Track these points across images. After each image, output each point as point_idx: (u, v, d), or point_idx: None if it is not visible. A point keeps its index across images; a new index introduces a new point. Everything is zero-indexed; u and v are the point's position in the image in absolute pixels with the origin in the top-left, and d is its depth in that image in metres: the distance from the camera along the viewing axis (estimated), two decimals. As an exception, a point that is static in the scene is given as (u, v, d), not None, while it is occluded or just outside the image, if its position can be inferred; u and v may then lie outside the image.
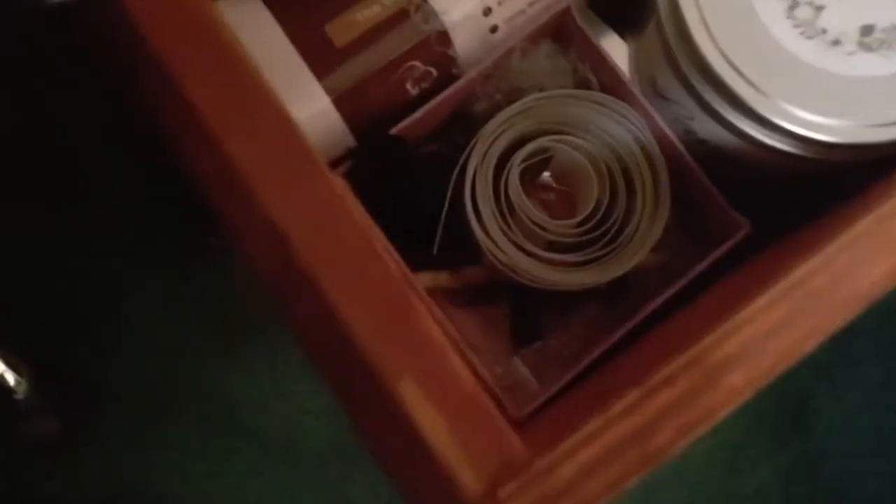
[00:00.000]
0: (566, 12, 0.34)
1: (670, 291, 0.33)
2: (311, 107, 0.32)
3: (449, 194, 0.34)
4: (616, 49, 0.36)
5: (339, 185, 0.24)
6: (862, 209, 0.24)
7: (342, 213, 0.24)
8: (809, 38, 0.28)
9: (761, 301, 0.23)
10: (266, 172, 0.23)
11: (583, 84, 0.35)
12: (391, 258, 0.28)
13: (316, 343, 0.30)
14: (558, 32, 0.35)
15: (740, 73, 0.28)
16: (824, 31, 0.28)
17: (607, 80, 0.35)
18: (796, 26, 0.28)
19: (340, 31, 0.33)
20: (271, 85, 0.25)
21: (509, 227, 0.34)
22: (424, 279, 0.36)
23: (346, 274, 0.23)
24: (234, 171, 0.23)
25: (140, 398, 0.46)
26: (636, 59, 0.35)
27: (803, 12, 0.28)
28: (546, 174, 0.37)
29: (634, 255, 0.34)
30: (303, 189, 0.23)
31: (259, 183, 0.23)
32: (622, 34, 0.36)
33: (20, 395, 0.44)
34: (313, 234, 0.23)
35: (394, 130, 0.33)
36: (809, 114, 0.28)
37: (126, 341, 0.46)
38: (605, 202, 0.35)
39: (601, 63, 0.34)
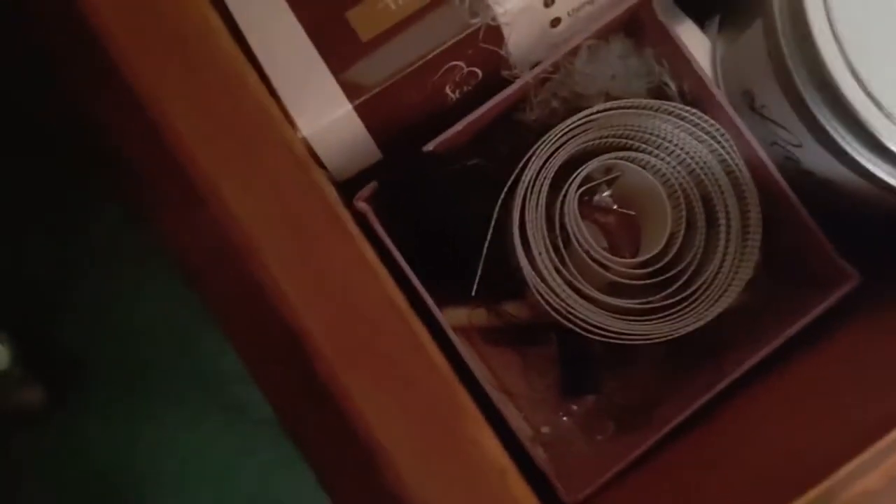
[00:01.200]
0: (643, 4, 0.27)
1: (764, 351, 0.27)
2: (329, 113, 0.26)
3: (493, 220, 0.28)
4: (701, 51, 0.30)
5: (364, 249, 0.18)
6: None
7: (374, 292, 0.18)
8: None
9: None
10: (272, 233, 0.18)
11: (660, 92, 0.29)
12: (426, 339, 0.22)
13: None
14: (632, 28, 0.28)
15: (873, 99, 0.22)
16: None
17: (690, 89, 0.28)
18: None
19: (366, 19, 0.27)
20: (275, 109, 0.19)
21: (563, 263, 0.28)
22: (459, 316, 0.31)
23: (377, 384, 0.17)
24: (227, 235, 0.18)
25: (128, 372, 0.45)
26: (728, 66, 0.29)
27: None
28: (606, 193, 0.31)
29: (714, 304, 0.28)
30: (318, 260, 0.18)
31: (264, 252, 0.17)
32: (709, 33, 0.30)
33: (4, 367, 0.42)
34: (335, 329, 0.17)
35: (428, 146, 0.27)
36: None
37: (114, 314, 0.45)
38: (681, 236, 0.29)
39: (684, 67, 0.28)
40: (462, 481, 0.17)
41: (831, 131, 0.23)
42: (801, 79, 0.23)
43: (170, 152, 0.20)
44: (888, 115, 0.22)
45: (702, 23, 0.31)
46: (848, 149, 0.23)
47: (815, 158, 0.25)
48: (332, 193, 0.20)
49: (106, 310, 0.45)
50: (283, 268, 0.18)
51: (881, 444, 0.18)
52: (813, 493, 0.18)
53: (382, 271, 0.20)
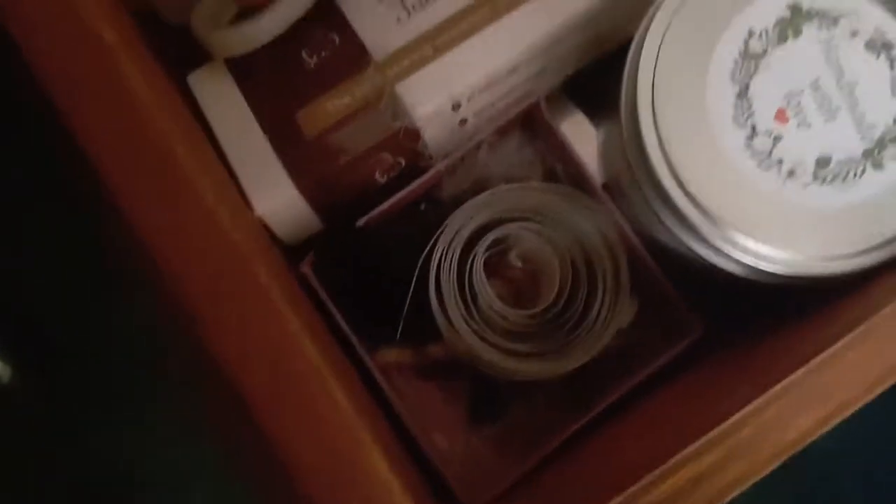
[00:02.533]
0: (535, 107, 0.34)
1: (624, 388, 0.34)
2: (279, 196, 0.33)
3: (415, 278, 0.34)
4: (588, 140, 0.36)
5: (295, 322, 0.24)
6: (794, 360, 0.25)
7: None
8: (766, 168, 0.28)
9: (690, 449, 0.24)
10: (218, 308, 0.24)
11: (550, 175, 0.36)
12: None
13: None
14: (527, 124, 0.35)
15: (692, 197, 0.29)
16: (780, 162, 0.28)
17: (574, 173, 0.35)
18: (754, 156, 0.28)
19: (310, 120, 0.33)
20: (222, 208, 0.25)
21: (471, 315, 0.34)
22: (390, 355, 0.37)
23: (295, 422, 0.23)
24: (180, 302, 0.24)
25: (115, 374, 0.45)
26: (604, 154, 0.35)
27: (761, 142, 0.28)
28: (513, 254, 0.38)
29: (593, 346, 0.35)
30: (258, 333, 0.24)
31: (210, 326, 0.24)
32: (596, 124, 0.36)
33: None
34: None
35: (360, 222, 0.33)
36: (758, 244, 0.28)
37: (103, 316, 0.45)
38: (567, 291, 0.36)
39: (568, 157, 0.35)
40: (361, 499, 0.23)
41: (667, 221, 0.30)
42: (642, 178, 0.30)
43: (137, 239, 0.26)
44: (703, 210, 0.29)
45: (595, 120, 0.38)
46: (681, 235, 0.30)
47: (664, 237, 0.31)
48: (267, 276, 0.26)
49: (95, 312, 0.44)
50: (222, 336, 0.24)
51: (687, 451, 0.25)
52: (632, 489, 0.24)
53: (308, 334, 0.26)
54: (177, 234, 0.24)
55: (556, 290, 0.36)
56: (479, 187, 0.36)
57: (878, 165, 0.29)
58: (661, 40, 0.29)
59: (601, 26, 0.33)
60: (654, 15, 0.30)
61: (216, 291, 0.24)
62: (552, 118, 0.35)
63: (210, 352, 0.26)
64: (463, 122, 0.34)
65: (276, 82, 0.34)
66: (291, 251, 0.35)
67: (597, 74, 0.36)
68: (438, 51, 0.33)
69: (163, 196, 0.25)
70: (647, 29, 0.30)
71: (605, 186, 0.36)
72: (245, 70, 0.35)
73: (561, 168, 0.36)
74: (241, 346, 0.25)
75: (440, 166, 0.34)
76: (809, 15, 0.29)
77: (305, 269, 0.33)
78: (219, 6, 0.34)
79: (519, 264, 0.38)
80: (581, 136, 0.37)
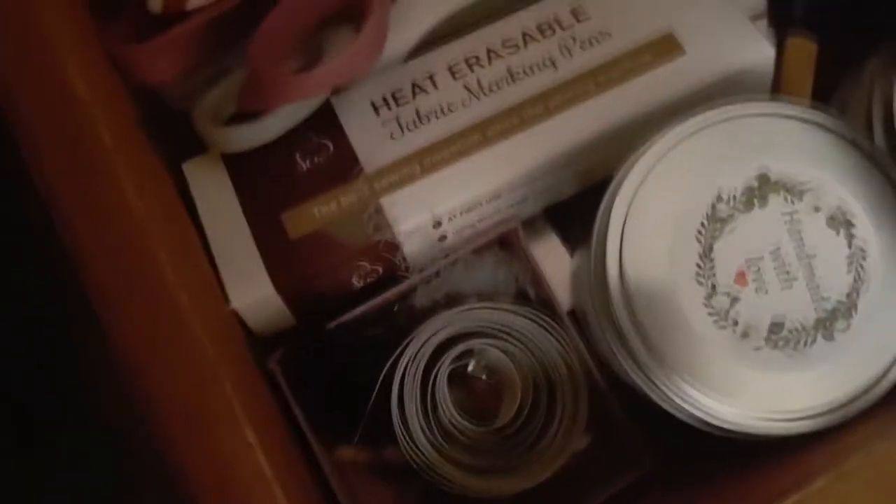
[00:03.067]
0: (513, 231, 0.35)
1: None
2: (256, 292, 0.34)
3: (380, 382, 0.35)
4: (561, 264, 0.38)
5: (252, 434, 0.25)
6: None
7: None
8: (722, 327, 0.30)
9: None
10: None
11: (522, 296, 0.37)
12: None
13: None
14: (504, 246, 0.36)
15: (648, 343, 0.30)
16: (735, 323, 0.30)
17: (544, 297, 0.36)
18: (711, 314, 0.30)
19: (296, 222, 0.34)
20: (196, 317, 0.26)
21: (430, 426, 0.35)
22: (347, 454, 0.38)
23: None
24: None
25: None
26: (575, 281, 0.37)
27: (720, 301, 0.30)
28: (478, 368, 0.39)
29: (547, 467, 0.36)
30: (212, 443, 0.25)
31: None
32: (571, 250, 0.38)
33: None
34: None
35: (332, 324, 0.34)
36: (706, 397, 0.30)
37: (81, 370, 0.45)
38: (527, 410, 0.37)
39: (539, 281, 0.36)
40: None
41: (623, 361, 0.31)
42: (601, 317, 0.31)
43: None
44: (657, 357, 0.30)
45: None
46: (635, 378, 0.31)
47: (618, 370, 0.32)
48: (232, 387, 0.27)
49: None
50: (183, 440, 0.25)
51: None
52: None
53: (262, 445, 0.26)
54: (147, 334, 0.25)
55: (515, 407, 0.37)
56: (451, 300, 0.37)
57: (828, 337, 0.30)
58: (635, 192, 0.31)
59: (584, 164, 0.35)
60: (632, 165, 0.31)
61: (186, 407, 0.25)
62: (528, 242, 0.36)
63: (165, 449, 0.27)
64: (442, 238, 0.35)
65: (267, 181, 0.35)
66: (262, 344, 0.36)
67: (579, 201, 0.38)
68: (426, 170, 0.35)
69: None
70: (624, 177, 0.31)
71: (573, 313, 0.38)
72: (239, 165, 0.36)
73: (532, 291, 0.37)
74: (193, 451, 0.26)
75: (416, 279, 0.35)
76: (776, 186, 0.31)
77: (273, 365, 0.34)
78: (220, 102, 0.36)
79: (483, 378, 0.39)
80: (555, 260, 0.38)
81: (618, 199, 0.31)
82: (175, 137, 0.37)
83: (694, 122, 0.31)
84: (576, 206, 0.38)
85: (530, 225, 0.37)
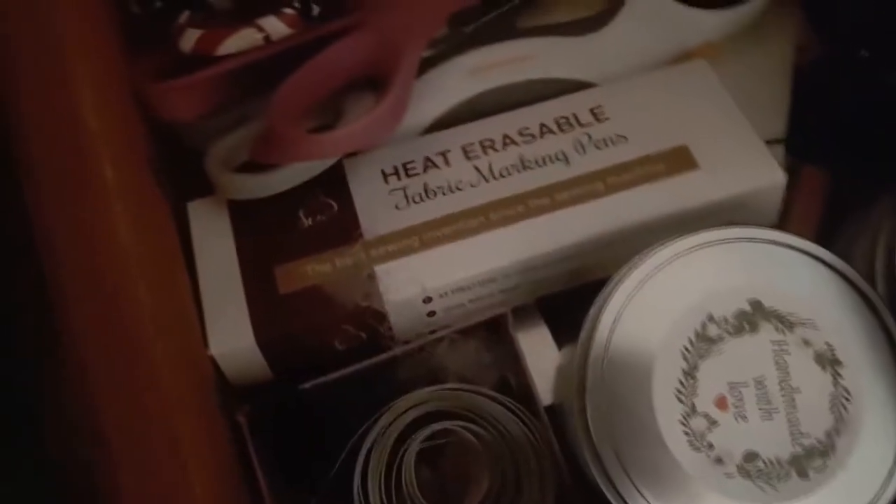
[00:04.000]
0: (502, 317, 0.35)
1: None
2: (237, 343, 0.33)
3: (346, 451, 0.35)
4: (548, 356, 0.37)
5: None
6: None
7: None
8: (696, 449, 0.29)
9: None
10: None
11: (503, 383, 0.36)
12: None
13: None
14: (491, 331, 0.36)
15: (616, 453, 0.29)
16: (711, 447, 0.29)
17: (525, 388, 0.36)
18: (686, 433, 0.29)
19: (288, 277, 0.34)
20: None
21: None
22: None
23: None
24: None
25: None
26: (559, 375, 0.36)
27: (697, 423, 0.29)
28: (447, 450, 0.38)
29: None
30: None
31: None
32: (560, 343, 0.37)
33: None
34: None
35: (307, 384, 0.34)
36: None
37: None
38: (492, 499, 0.36)
39: (522, 371, 0.35)
40: None
41: (592, 467, 0.30)
42: (575, 426, 0.31)
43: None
44: (626, 474, 0.29)
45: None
46: (600, 483, 0.30)
47: (588, 473, 0.32)
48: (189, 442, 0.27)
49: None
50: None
51: None
52: None
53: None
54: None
55: (482, 495, 0.37)
56: (432, 377, 0.36)
57: (802, 474, 0.29)
58: (628, 300, 0.31)
59: (582, 261, 0.35)
60: (629, 272, 0.31)
61: (132, 439, 0.25)
62: (517, 329, 0.36)
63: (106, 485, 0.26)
64: (431, 313, 0.35)
65: (267, 232, 0.36)
66: (236, 393, 0.36)
67: (573, 296, 0.38)
68: (424, 245, 0.35)
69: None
70: (619, 283, 0.31)
71: (553, 407, 0.37)
72: (243, 212, 0.36)
73: (514, 380, 0.36)
74: (133, 488, 0.25)
75: (399, 350, 0.35)
76: (769, 314, 0.30)
77: (241, 418, 0.34)
78: (234, 149, 0.36)
79: (451, 461, 0.38)
80: (541, 352, 0.38)
81: (609, 305, 0.31)
82: (189, 176, 0.38)
83: (696, 238, 0.31)
84: (570, 302, 0.38)
85: (522, 312, 0.37)
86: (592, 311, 0.32)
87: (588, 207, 0.35)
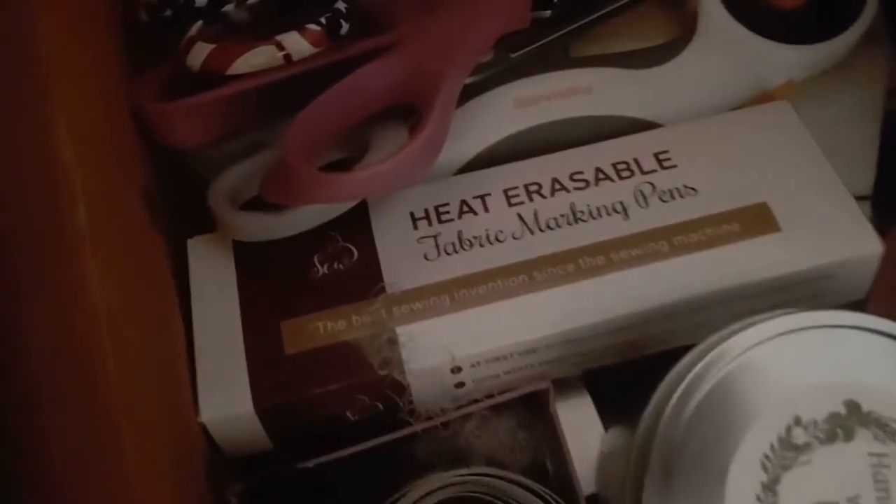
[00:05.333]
0: (543, 392, 0.30)
1: None
2: (232, 409, 0.28)
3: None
4: (592, 434, 0.32)
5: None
6: None
7: None
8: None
9: None
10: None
11: (538, 468, 0.31)
12: None
13: None
14: (528, 408, 0.31)
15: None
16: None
17: (563, 475, 0.31)
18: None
19: (296, 334, 0.30)
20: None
21: None
22: None
23: None
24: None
25: None
26: (605, 462, 0.31)
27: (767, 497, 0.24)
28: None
29: None
30: None
31: None
32: (607, 424, 0.33)
33: None
34: None
35: (310, 463, 0.29)
36: None
37: None
38: None
39: (561, 456, 0.30)
40: None
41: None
42: None
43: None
44: None
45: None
46: None
47: None
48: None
49: None
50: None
51: None
52: None
53: None
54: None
55: None
56: (455, 458, 0.31)
57: None
58: (698, 388, 0.26)
59: (640, 333, 0.30)
60: (701, 357, 0.26)
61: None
62: (557, 407, 0.31)
63: None
64: (459, 385, 0.30)
65: (276, 279, 0.31)
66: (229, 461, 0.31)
67: (621, 369, 0.33)
68: (456, 304, 0.30)
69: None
70: (689, 369, 0.26)
71: (595, 498, 0.32)
72: (249, 255, 0.31)
73: (551, 464, 0.31)
74: None
75: (419, 427, 0.30)
76: (867, 420, 0.25)
77: (232, 496, 0.29)
78: (241, 181, 0.32)
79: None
80: (585, 433, 0.32)
81: (675, 396, 0.26)
82: (194, 204, 0.33)
83: (784, 322, 0.26)
84: (619, 374, 0.33)
85: (564, 385, 0.32)
86: (655, 399, 0.27)
87: (649, 271, 0.30)
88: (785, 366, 0.26)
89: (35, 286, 0.22)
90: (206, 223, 0.33)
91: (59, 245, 0.21)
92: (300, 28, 0.31)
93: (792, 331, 0.26)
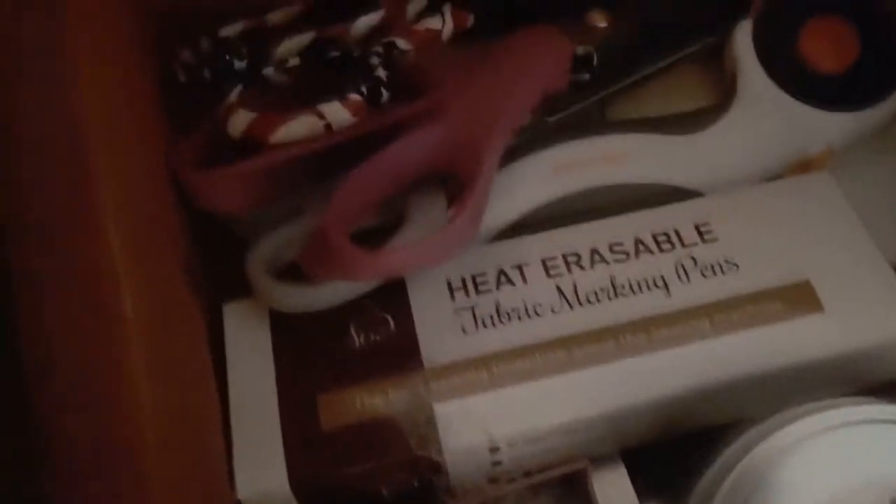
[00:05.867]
0: (581, 472, 0.30)
1: None
2: (268, 484, 0.28)
3: None
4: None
5: None
6: None
7: None
8: None
9: None
10: None
11: (574, 544, 0.31)
12: None
13: None
14: (565, 486, 0.31)
15: None
16: None
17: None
18: None
19: (333, 409, 0.29)
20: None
21: None
22: None
23: None
24: None
25: None
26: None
27: None
28: None
29: None
30: None
31: None
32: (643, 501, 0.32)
33: None
34: None
35: (345, 541, 0.29)
36: None
37: None
38: None
39: (599, 534, 0.30)
40: None
41: None
42: None
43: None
44: None
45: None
46: None
47: None
48: None
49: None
50: None
51: None
52: None
53: None
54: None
55: None
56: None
57: None
58: (750, 479, 0.25)
59: (681, 413, 0.30)
60: (753, 443, 0.26)
61: None
62: (595, 489, 0.31)
63: None
64: (497, 463, 0.30)
65: (313, 350, 0.30)
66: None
67: (660, 444, 0.33)
68: (495, 382, 0.29)
69: None
70: (738, 455, 0.26)
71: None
72: (286, 323, 0.31)
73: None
74: None
75: (451, 501, 0.30)
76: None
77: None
78: (279, 248, 0.31)
79: None
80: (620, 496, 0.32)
81: (728, 485, 0.25)
82: (232, 265, 0.33)
83: (829, 416, 0.26)
84: (653, 450, 0.33)
85: (601, 463, 0.32)
86: (701, 488, 0.27)
87: (691, 350, 0.30)
88: (835, 463, 0.25)
89: (69, 353, 0.22)
90: (242, 285, 0.33)
91: (97, 326, 0.21)
92: (342, 97, 0.31)
93: (842, 425, 0.26)
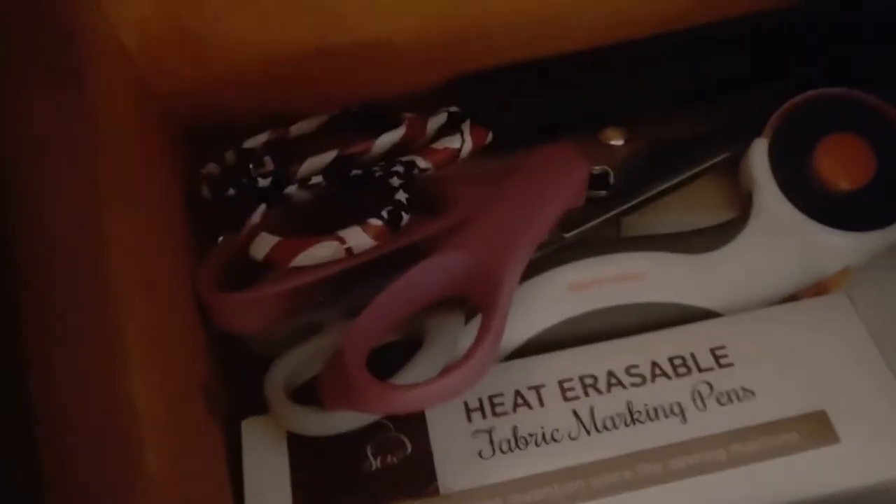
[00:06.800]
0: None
1: None
2: None
3: None
4: None
5: None
6: None
7: None
8: None
9: None
10: None
11: None
12: None
13: None
14: None
15: None
16: None
17: None
18: None
19: (349, 534, 0.30)
20: None
21: None
22: None
23: None
24: None
25: None
26: None
27: None
28: None
29: None
30: None
31: None
32: None
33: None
34: None
35: None
36: None
37: None
38: None
39: None
40: None
41: None
42: None
43: None
44: None
45: None
46: None
47: None
48: None
49: None
50: None
51: None
52: None
53: None
54: None
55: None
56: None
57: None
58: None
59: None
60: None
61: None
62: None
63: None
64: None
65: (329, 470, 0.30)
66: None
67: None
68: (510, 511, 0.30)
69: None
70: None
71: None
72: (303, 443, 0.31)
73: None
74: None
75: None
76: None
77: None
78: (298, 367, 0.32)
79: None
80: None
81: None
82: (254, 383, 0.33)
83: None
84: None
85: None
86: None
87: (706, 481, 0.29)
88: None
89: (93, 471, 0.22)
90: (262, 401, 0.33)
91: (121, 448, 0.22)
92: (362, 222, 0.31)
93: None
